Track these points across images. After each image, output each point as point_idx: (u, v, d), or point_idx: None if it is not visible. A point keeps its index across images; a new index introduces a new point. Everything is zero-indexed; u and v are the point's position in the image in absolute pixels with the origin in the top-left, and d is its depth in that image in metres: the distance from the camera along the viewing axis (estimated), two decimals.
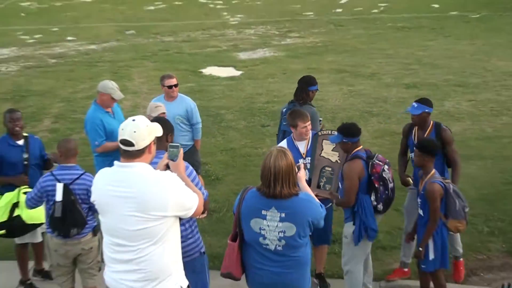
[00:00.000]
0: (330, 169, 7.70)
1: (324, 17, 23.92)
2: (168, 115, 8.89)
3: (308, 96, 9.23)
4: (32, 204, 7.21)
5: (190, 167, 5.56)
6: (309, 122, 7.82)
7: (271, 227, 5.42)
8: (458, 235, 8.07)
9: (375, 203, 7.25)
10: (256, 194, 5.49)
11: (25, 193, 7.77)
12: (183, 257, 5.09)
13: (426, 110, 7.74)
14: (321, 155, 7.72)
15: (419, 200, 7.31)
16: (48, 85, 17.23)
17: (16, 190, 7.93)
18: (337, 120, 13.57)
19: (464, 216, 7.14)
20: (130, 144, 4.68)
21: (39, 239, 8.32)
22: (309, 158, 7.77)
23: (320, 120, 9.56)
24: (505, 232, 9.18)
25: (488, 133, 12.82)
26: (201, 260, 6.30)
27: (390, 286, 8.44)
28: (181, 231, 5.12)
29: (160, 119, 5.91)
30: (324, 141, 7.73)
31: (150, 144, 4.79)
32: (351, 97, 15.03)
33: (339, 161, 7.62)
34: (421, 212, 7.29)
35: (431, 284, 7.54)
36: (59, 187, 6.95)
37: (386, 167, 7.21)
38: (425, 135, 7.81)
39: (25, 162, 8.11)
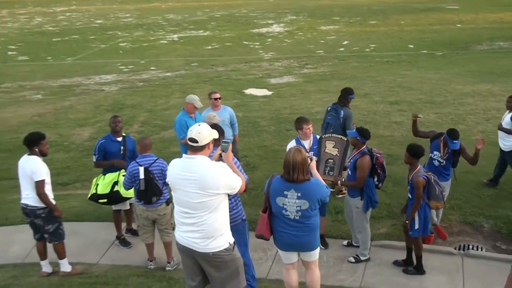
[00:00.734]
0: (332, 160, 7.87)
1: (331, 54, 23.84)
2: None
3: (347, 101, 9.68)
4: (127, 186, 7.55)
5: (235, 159, 5.58)
6: (311, 124, 7.95)
7: (291, 203, 5.48)
8: (440, 211, 8.21)
9: (377, 183, 7.64)
10: (279, 179, 5.57)
11: (123, 175, 7.99)
12: (230, 222, 5.11)
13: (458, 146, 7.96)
14: (325, 151, 7.90)
15: (408, 187, 7.50)
16: (137, 100, 17.37)
17: (117, 172, 8.18)
18: None
19: (442, 198, 7.42)
20: (195, 141, 4.75)
21: (128, 207, 8.63)
22: (312, 152, 7.81)
23: (354, 124, 9.76)
24: (461, 207, 9.15)
25: None
26: (243, 224, 6.32)
27: (380, 244, 8.38)
28: (229, 204, 5.13)
29: (216, 126, 5.99)
30: (326, 141, 7.92)
31: (209, 143, 4.85)
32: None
33: (338, 155, 7.82)
34: (410, 195, 7.48)
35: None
36: (141, 169, 7.32)
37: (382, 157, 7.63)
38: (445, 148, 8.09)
39: (121, 153, 8.36)
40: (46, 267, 7.68)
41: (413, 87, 17.56)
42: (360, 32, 29.23)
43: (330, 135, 8.01)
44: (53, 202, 7.36)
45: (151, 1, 53.15)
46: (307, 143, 7.93)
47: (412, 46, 24.88)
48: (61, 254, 7.57)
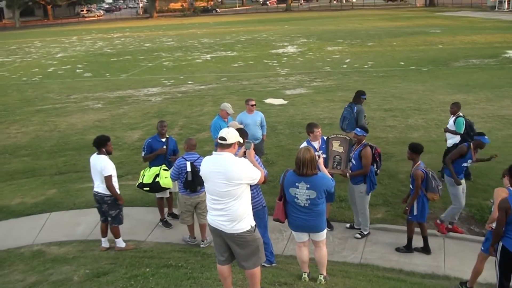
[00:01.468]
0: (339, 157, 7.78)
1: (336, 70, 23.61)
2: (251, 121, 9.76)
3: (360, 100, 10.10)
4: (174, 177, 7.58)
5: (256, 156, 5.55)
6: (320, 128, 7.96)
7: (301, 193, 5.43)
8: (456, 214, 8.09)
9: (376, 169, 7.75)
10: (292, 173, 5.53)
11: (164, 169, 8.03)
12: (253, 209, 5.05)
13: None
14: (332, 149, 7.84)
15: (410, 179, 7.46)
16: (177, 108, 17.38)
17: (159, 167, 8.20)
18: None
19: (437, 191, 7.24)
20: (224, 139, 4.74)
21: (168, 195, 8.69)
22: (321, 151, 7.75)
23: (365, 116, 10.27)
24: (442, 197, 8.91)
25: (434, 138, 12.50)
26: (263, 210, 6.29)
27: (377, 227, 8.27)
28: (251, 193, 5.09)
29: (241, 130, 5.92)
30: (333, 141, 7.84)
31: (235, 143, 4.80)
32: None
33: (343, 152, 7.73)
34: (411, 186, 7.43)
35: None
36: (188, 163, 7.41)
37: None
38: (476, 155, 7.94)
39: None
40: (105, 243, 7.73)
41: (404, 97, 17.33)
42: (360, 52, 28.94)
43: (335, 135, 7.93)
44: (118, 192, 7.44)
45: (189, 28, 53.37)
46: (316, 144, 7.85)
47: (402, 63, 24.57)
48: (116, 235, 7.62)
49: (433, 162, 9.98)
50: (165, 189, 8.29)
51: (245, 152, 5.19)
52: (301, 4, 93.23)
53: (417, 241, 7.61)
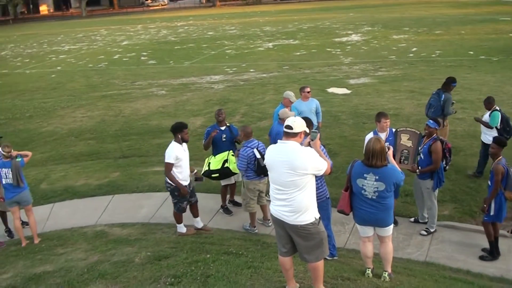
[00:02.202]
0: (406, 151, 7.44)
1: (402, 59, 22.74)
2: (306, 109, 9.65)
3: (449, 87, 9.77)
4: (243, 168, 7.53)
5: (322, 146, 5.35)
6: (389, 119, 7.60)
7: (369, 185, 5.19)
8: None
9: (445, 165, 7.36)
10: (360, 164, 5.28)
11: (232, 155, 8.14)
12: (316, 200, 4.86)
13: None
14: (401, 143, 7.50)
15: (490, 174, 6.92)
16: (238, 96, 17.38)
17: (226, 152, 8.26)
18: (410, 121, 12.92)
19: None
20: (290, 128, 4.57)
21: (233, 181, 8.64)
22: (388, 143, 7.36)
23: (453, 103, 9.99)
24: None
25: None
26: (326, 202, 6.12)
27: (444, 224, 7.89)
28: (316, 184, 4.90)
29: (307, 119, 5.69)
30: (401, 134, 7.51)
31: (301, 132, 4.63)
32: (418, 107, 14.13)
33: (412, 146, 7.37)
34: (489, 182, 6.87)
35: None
36: (255, 151, 7.41)
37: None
38: None
39: (223, 140, 8.41)
40: (198, 223, 7.88)
41: (473, 88, 16.43)
42: (426, 40, 27.74)
43: (404, 128, 7.58)
44: (181, 182, 7.33)
45: (251, 17, 53.33)
46: (383, 135, 7.52)
47: (471, 52, 23.30)
48: (177, 221, 7.67)
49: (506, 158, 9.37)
50: (234, 174, 8.28)
51: (310, 143, 5.00)
52: None
53: (484, 240, 7.15)
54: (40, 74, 25.79)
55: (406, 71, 19.90)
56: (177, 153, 7.20)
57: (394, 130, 7.62)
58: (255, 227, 7.84)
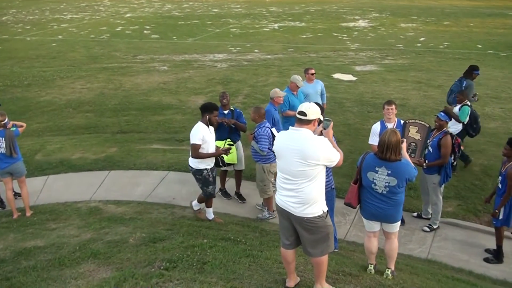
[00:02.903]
0: (414, 144, 7.19)
1: (409, 48, 22.36)
2: (312, 91, 9.43)
3: (472, 76, 9.85)
4: (269, 147, 7.20)
5: (334, 136, 5.07)
6: (393, 106, 7.34)
7: (381, 179, 4.93)
8: None
9: (453, 161, 7.19)
10: (373, 156, 5.01)
11: (229, 144, 7.72)
12: None
13: None
14: (409, 135, 7.24)
15: (500, 177, 6.56)
16: (242, 77, 17.02)
17: (223, 141, 7.91)
18: (416, 112, 12.67)
19: None
20: (304, 114, 4.28)
21: (243, 167, 8.41)
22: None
23: (476, 94, 9.96)
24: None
25: None
26: (331, 192, 5.92)
27: (447, 221, 7.69)
28: None
29: (321, 107, 5.34)
30: (410, 126, 7.25)
31: (314, 120, 4.34)
32: (425, 99, 13.90)
33: (420, 139, 7.13)
34: (500, 185, 6.54)
35: None
36: (273, 129, 7.32)
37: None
38: None
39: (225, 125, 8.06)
40: (209, 214, 7.40)
41: (481, 82, 16.02)
42: (435, 31, 27.31)
43: (414, 120, 7.29)
44: (206, 166, 6.83)
45: None
46: (390, 126, 7.26)
47: (480, 46, 22.93)
48: (206, 205, 7.32)
49: None
50: (228, 164, 7.96)
51: (322, 131, 4.72)
52: None
53: (491, 242, 6.96)
54: (40, 41, 25.30)
55: (414, 61, 19.55)
56: (204, 134, 6.67)
57: (402, 121, 7.36)
58: (274, 210, 7.55)
